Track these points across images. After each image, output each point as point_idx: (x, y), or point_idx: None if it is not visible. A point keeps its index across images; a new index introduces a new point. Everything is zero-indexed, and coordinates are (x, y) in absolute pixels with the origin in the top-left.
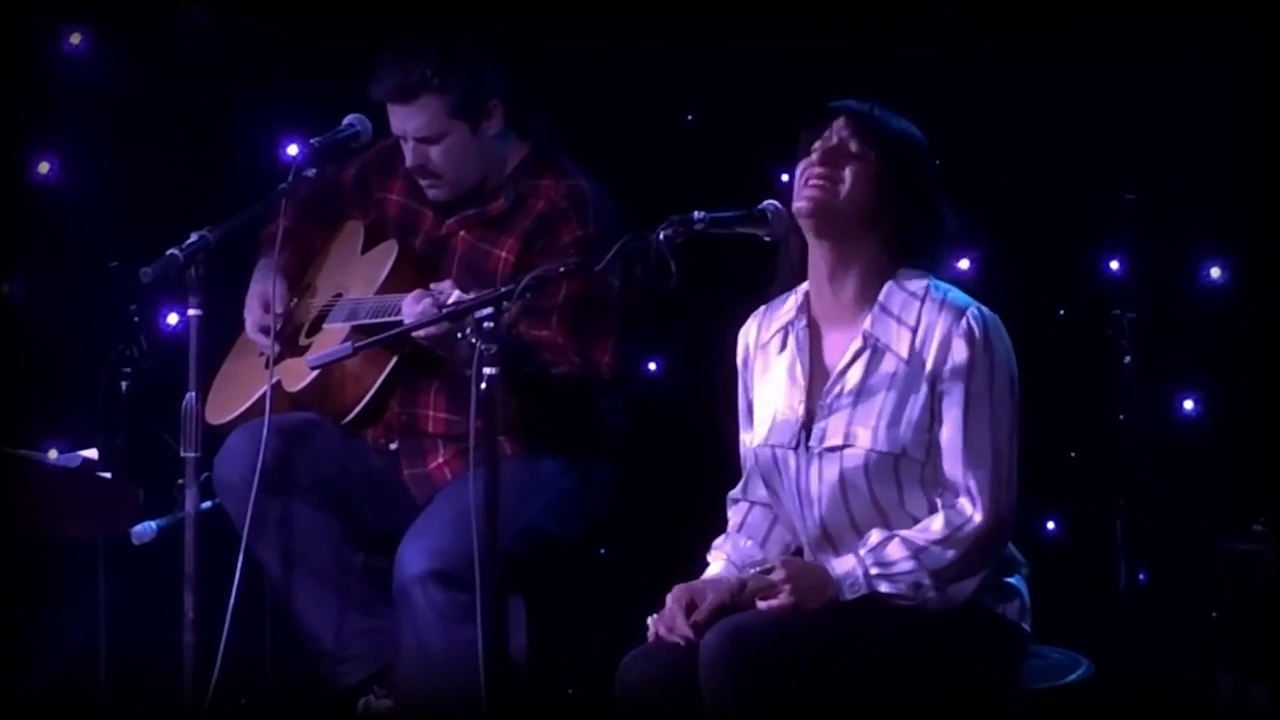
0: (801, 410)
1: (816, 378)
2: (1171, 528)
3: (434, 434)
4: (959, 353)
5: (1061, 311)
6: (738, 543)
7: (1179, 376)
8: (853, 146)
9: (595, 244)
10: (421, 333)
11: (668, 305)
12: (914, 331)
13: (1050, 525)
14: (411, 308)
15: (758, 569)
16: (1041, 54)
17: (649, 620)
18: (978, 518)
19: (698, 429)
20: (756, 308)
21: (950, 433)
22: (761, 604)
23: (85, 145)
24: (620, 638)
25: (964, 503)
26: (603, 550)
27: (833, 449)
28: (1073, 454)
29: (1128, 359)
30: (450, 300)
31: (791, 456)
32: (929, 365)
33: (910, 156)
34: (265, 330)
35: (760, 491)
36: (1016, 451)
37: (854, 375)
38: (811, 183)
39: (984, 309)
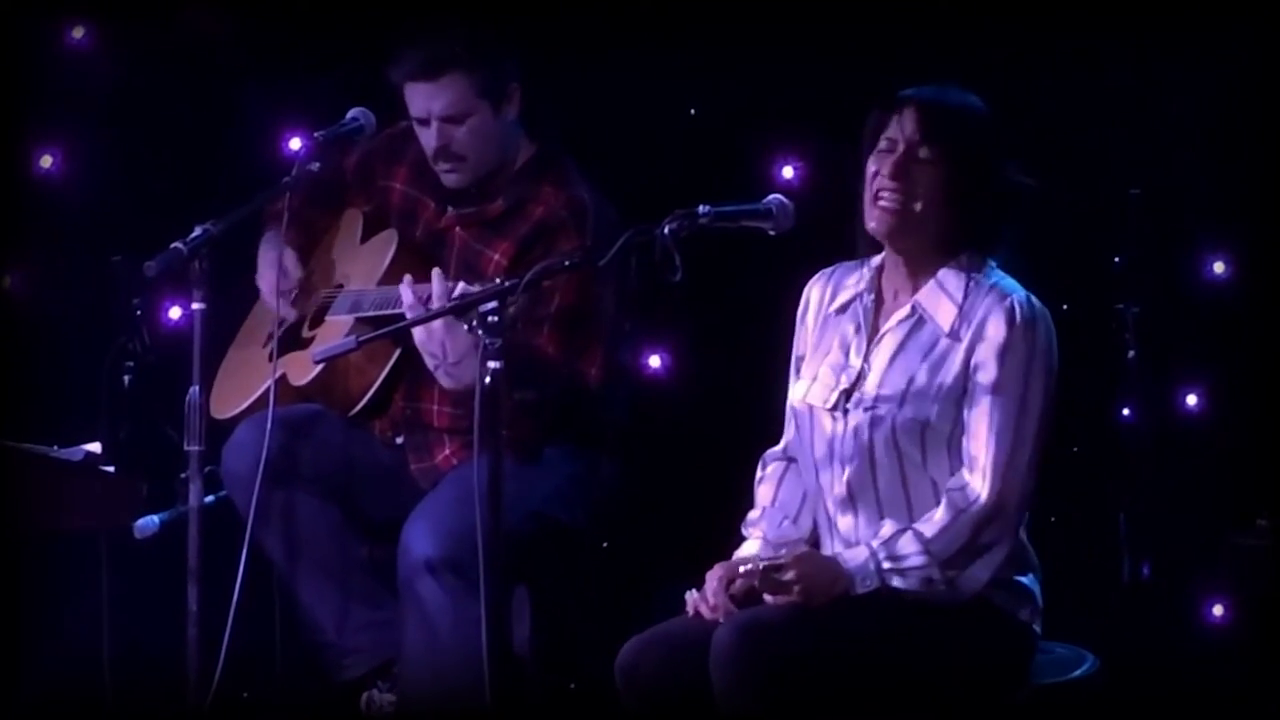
0: (847, 377)
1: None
2: (1175, 522)
3: (439, 428)
4: (997, 333)
5: (1065, 306)
6: (773, 519)
7: (1183, 371)
8: (923, 153)
9: (594, 256)
10: (421, 335)
11: (673, 299)
12: (959, 308)
13: (1053, 519)
14: (408, 295)
15: (767, 563)
16: (1045, 49)
17: (687, 596)
18: (984, 497)
19: (703, 422)
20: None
21: (977, 410)
22: (770, 599)
23: (88, 139)
24: (624, 629)
25: (974, 481)
26: (606, 544)
27: (864, 408)
28: (1075, 448)
29: (1131, 353)
30: (455, 294)
31: (827, 417)
32: (966, 341)
33: (982, 153)
34: (283, 294)
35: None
36: (1042, 443)
37: (894, 340)
38: (883, 200)
39: (1034, 299)
